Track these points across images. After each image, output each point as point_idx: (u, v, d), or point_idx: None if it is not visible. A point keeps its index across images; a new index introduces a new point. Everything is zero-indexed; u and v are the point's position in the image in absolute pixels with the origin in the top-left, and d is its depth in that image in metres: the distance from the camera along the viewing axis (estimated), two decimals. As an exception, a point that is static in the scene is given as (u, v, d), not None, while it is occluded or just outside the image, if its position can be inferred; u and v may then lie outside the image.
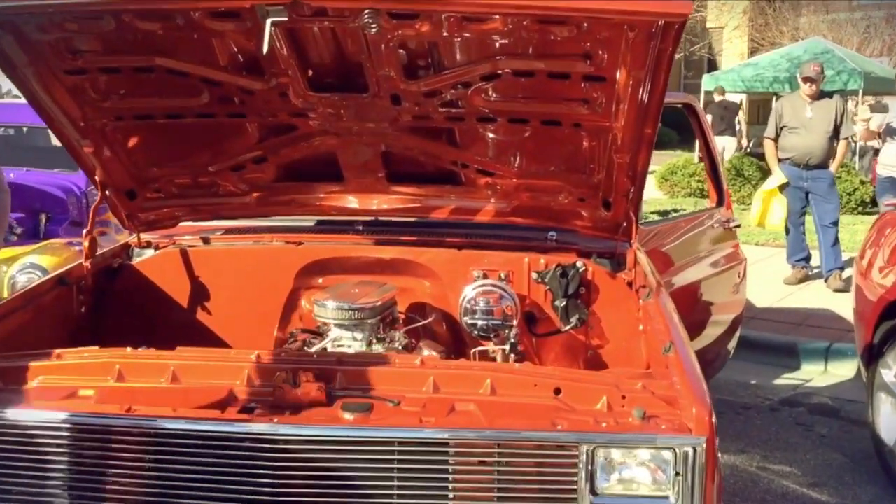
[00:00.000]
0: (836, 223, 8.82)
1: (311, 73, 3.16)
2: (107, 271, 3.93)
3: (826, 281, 8.89)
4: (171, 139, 3.65)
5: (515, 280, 3.86)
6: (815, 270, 9.28)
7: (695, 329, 4.71)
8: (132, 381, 2.70)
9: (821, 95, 8.89)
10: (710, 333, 5.30)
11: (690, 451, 2.42)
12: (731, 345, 5.57)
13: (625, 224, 3.70)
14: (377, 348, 3.52)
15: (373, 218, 4.00)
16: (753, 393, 6.43)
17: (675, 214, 6.03)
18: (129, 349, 2.83)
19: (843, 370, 6.90)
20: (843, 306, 8.23)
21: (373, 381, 2.68)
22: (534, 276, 3.84)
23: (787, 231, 9.02)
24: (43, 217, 7.11)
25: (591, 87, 3.08)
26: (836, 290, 8.72)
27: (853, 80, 16.83)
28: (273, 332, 3.99)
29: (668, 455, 2.45)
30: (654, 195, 15.08)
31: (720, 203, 5.46)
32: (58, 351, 2.85)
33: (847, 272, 9.15)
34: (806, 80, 8.80)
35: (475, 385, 2.65)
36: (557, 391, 2.62)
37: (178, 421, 2.53)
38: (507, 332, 3.55)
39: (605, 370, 3.59)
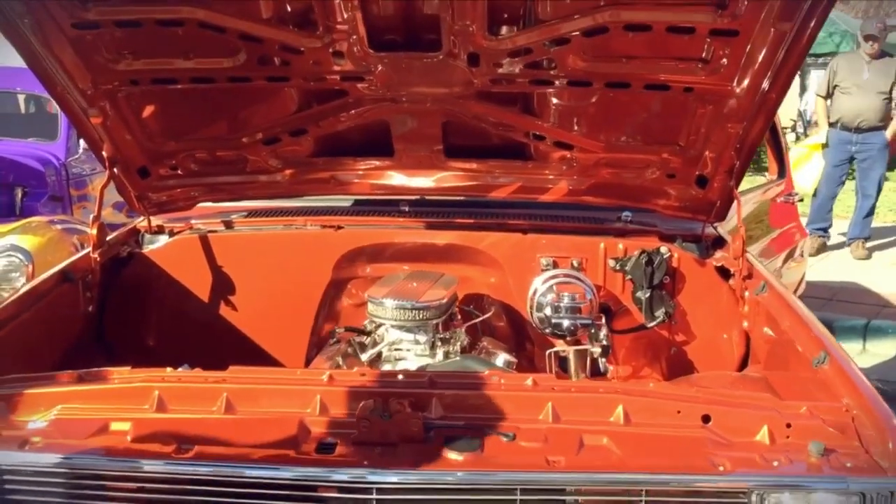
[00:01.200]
0: (878, 192, 8.43)
1: (372, 28, 2.60)
2: (114, 261, 3.37)
3: (849, 247, 8.54)
4: (194, 107, 3.09)
5: (589, 268, 3.37)
6: (831, 241, 8.92)
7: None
8: (176, 410, 2.17)
9: (881, 55, 8.33)
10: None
11: (887, 496, 1.96)
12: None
13: (718, 204, 3.22)
14: (440, 352, 3.02)
15: (423, 198, 3.47)
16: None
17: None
18: (168, 370, 2.30)
19: (884, 349, 6.52)
20: (871, 278, 7.89)
21: (476, 407, 2.18)
22: (611, 263, 3.35)
23: (815, 195, 8.58)
24: (19, 192, 6.47)
25: (717, 44, 2.57)
26: (858, 259, 8.38)
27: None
28: (308, 329, 3.47)
29: (856, 501, 1.98)
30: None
31: (781, 175, 4.99)
32: (78, 372, 2.31)
33: (871, 242, 8.81)
34: (868, 37, 8.21)
35: (604, 411, 2.16)
36: (706, 419, 2.14)
37: (239, 466, 2.01)
38: (594, 331, 3.05)
39: (711, 374, 3.12)
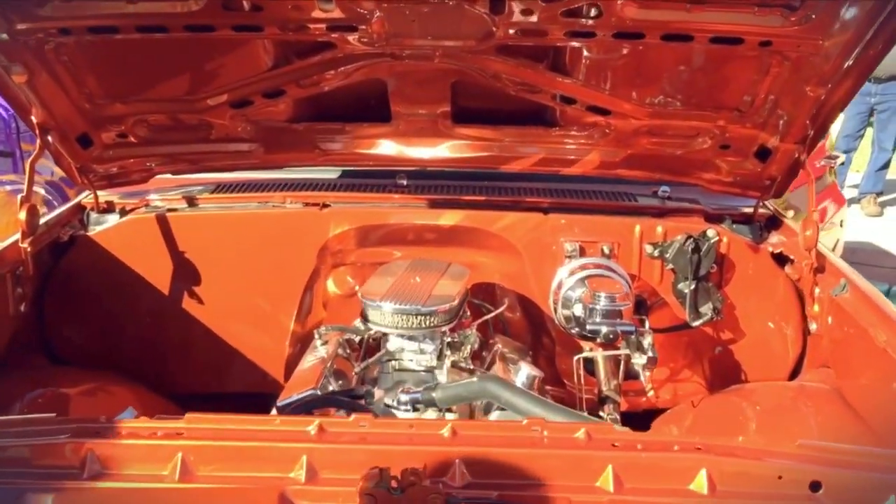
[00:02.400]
0: (894, 148, 7.94)
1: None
2: (53, 247, 2.80)
3: (860, 203, 8.09)
4: (145, 63, 2.48)
5: (622, 254, 2.85)
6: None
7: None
8: (114, 476, 1.63)
9: None
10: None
11: None
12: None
13: (779, 179, 2.69)
14: (448, 361, 2.49)
15: (424, 169, 2.91)
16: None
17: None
18: (103, 418, 1.75)
19: (908, 317, 6.07)
20: (887, 238, 7.45)
21: (512, 471, 1.65)
22: (648, 249, 2.82)
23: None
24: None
25: None
26: (870, 216, 7.94)
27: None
28: (289, 325, 2.93)
29: None
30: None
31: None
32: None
33: (883, 197, 8.37)
34: None
35: (681, 477, 1.64)
36: (815, 486, 1.63)
37: None
38: (635, 337, 2.53)
39: (769, 386, 2.63)
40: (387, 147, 2.79)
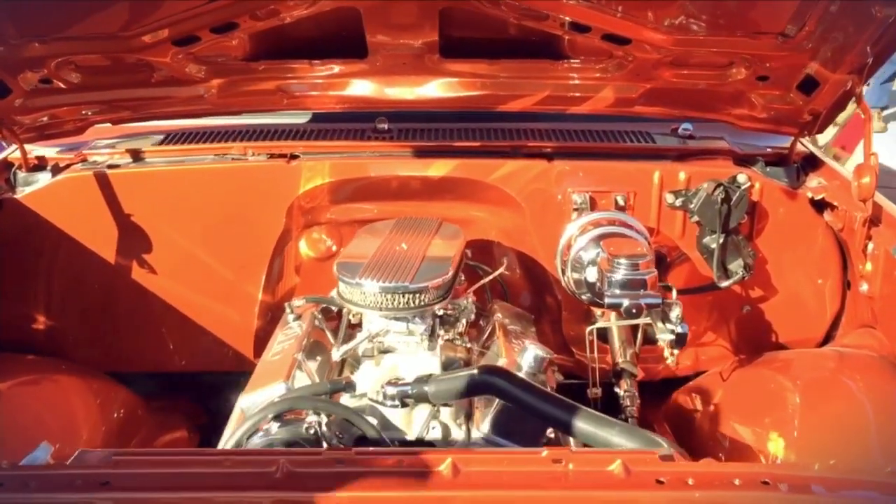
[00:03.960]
0: None
1: None
2: None
3: None
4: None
5: (638, 205, 2.47)
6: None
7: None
8: None
9: None
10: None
11: None
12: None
13: (823, 114, 2.30)
14: (440, 341, 2.12)
15: (408, 110, 2.49)
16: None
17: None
18: (4, 464, 1.37)
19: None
20: (889, 157, 7.07)
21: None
22: (668, 198, 2.45)
23: None
24: None
25: None
26: (875, 132, 7.54)
27: None
28: (256, 294, 2.55)
29: None
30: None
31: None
32: None
33: (889, 111, 7.97)
34: None
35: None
36: None
37: None
38: (662, 310, 2.15)
39: (809, 354, 2.30)
40: (363, 87, 2.37)
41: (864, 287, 2.26)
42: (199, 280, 2.54)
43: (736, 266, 2.42)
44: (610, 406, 2.24)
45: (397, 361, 2.11)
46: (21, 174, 2.49)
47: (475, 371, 1.87)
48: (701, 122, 2.58)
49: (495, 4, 2.02)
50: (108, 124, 2.52)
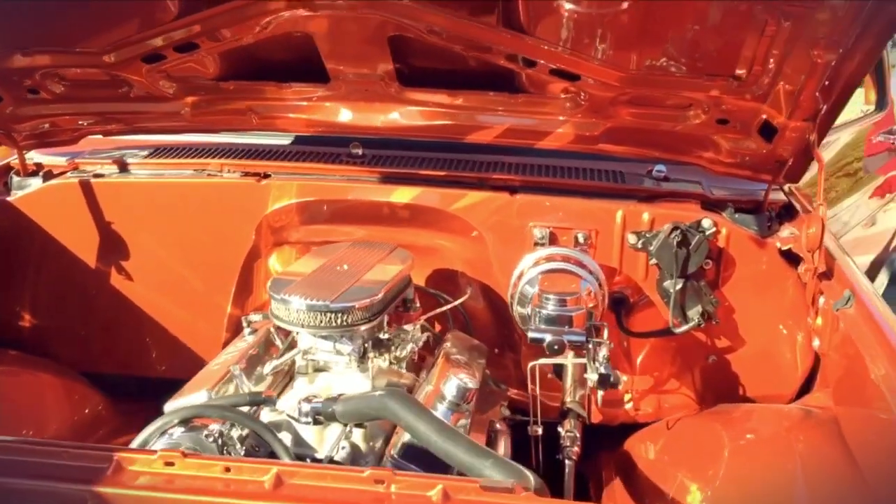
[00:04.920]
0: None
1: None
2: None
3: None
4: (43, 8, 2.17)
5: (601, 244, 2.43)
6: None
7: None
8: None
9: None
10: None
11: None
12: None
13: (791, 161, 2.23)
14: (376, 363, 2.14)
15: (385, 138, 2.53)
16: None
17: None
18: None
19: None
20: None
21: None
22: (630, 239, 2.41)
23: None
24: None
25: None
26: None
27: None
28: (226, 307, 2.63)
29: None
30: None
31: (881, 107, 3.85)
32: None
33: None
34: None
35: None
36: None
37: None
38: (590, 347, 2.12)
39: (766, 410, 2.22)
40: (329, 112, 2.43)
41: (816, 343, 2.17)
42: (173, 289, 2.64)
43: (694, 313, 2.36)
44: (553, 446, 2.21)
45: (330, 381, 2.15)
46: (16, 178, 2.64)
47: (377, 394, 1.88)
48: (676, 165, 2.53)
49: (436, 34, 2.05)
50: (101, 136, 2.66)
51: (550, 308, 2.10)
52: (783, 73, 1.95)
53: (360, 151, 2.60)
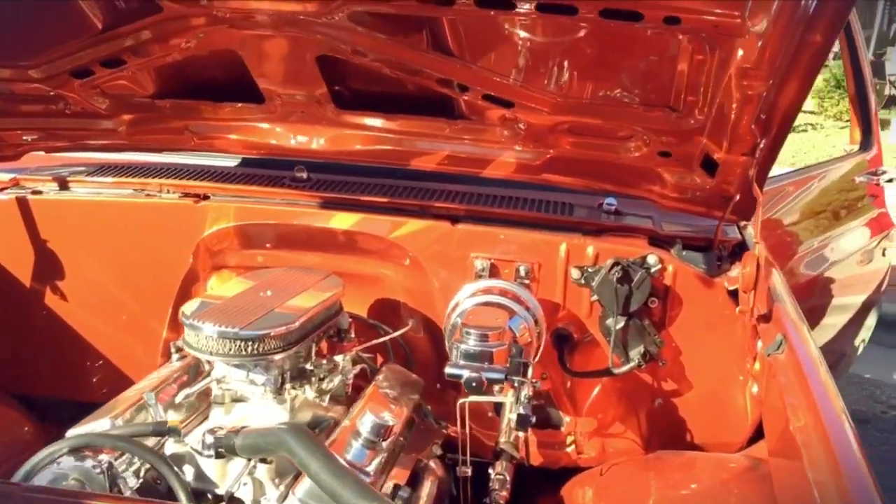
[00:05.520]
0: None
1: None
2: None
3: None
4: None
5: (544, 278, 2.34)
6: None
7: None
8: None
9: None
10: (831, 324, 3.68)
11: None
12: (861, 338, 3.96)
13: (738, 197, 2.13)
14: (296, 393, 2.06)
15: (329, 161, 2.47)
16: (871, 396, 4.82)
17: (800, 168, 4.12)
18: None
19: None
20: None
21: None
22: (573, 273, 2.31)
23: None
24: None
25: None
26: None
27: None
28: (161, 332, 2.55)
29: None
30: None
31: (865, 147, 3.73)
32: None
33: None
34: None
35: None
36: None
37: None
38: (516, 388, 2.02)
39: (705, 459, 2.11)
40: (267, 133, 2.37)
41: (755, 389, 2.06)
42: (109, 311, 2.57)
43: (635, 353, 2.26)
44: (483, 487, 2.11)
45: (247, 412, 2.06)
46: (-46, 194, 2.61)
47: (277, 428, 1.80)
48: (628, 199, 2.44)
49: (362, 55, 1.98)
50: (44, 153, 2.61)
51: (471, 343, 2.00)
52: (717, 105, 1.87)
53: (304, 175, 2.53)
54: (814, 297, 3.47)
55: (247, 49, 2.06)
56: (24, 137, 2.55)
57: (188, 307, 2.02)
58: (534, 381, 2.01)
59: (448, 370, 2.00)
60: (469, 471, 2.17)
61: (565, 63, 1.95)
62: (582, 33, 1.81)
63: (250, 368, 2.00)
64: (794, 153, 11.08)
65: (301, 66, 2.08)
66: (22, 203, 2.52)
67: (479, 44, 1.96)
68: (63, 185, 2.59)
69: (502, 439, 2.22)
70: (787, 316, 1.92)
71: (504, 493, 2.11)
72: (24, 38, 2.11)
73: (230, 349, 1.94)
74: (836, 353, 3.77)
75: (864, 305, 3.88)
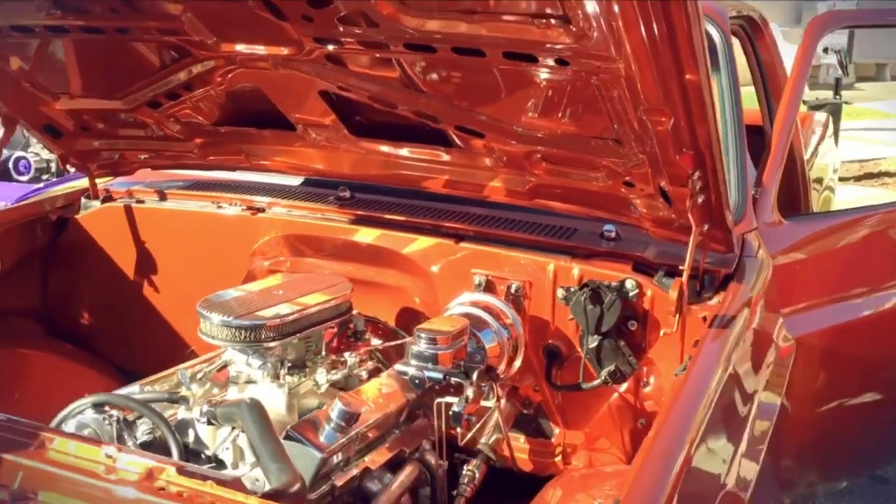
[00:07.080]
0: None
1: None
2: (43, 224, 3.13)
3: None
4: (69, 60, 2.69)
5: (535, 296, 2.52)
6: None
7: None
8: None
9: None
10: None
11: None
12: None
13: (707, 228, 2.21)
14: (291, 379, 2.39)
15: (369, 183, 2.80)
16: None
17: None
18: None
19: None
20: None
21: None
22: (559, 293, 2.47)
23: None
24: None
25: None
26: None
27: None
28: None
29: None
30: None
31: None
32: None
33: None
34: None
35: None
36: None
37: None
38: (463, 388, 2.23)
39: None
40: (304, 156, 2.74)
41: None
42: (187, 303, 3.02)
43: (604, 372, 2.38)
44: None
45: (255, 392, 2.42)
46: (84, 200, 3.19)
47: (238, 401, 2.14)
48: (625, 227, 2.55)
49: (347, 90, 2.29)
50: (151, 169, 3.15)
51: (422, 345, 2.24)
52: (642, 138, 1.99)
53: (347, 194, 2.87)
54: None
55: (266, 85, 2.45)
56: (139, 156, 3.10)
57: (209, 297, 2.42)
58: (474, 385, 2.21)
59: (395, 367, 2.25)
60: (445, 464, 2.40)
61: (516, 96, 2.15)
62: (502, 77, 2.01)
63: (249, 354, 2.36)
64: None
65: (309, 99, 2.42)
66: (128, 210, 3.06)
67: (435, 80, 2.20)
68: (162, 196, 3.11)
69: (482, 440, 2.43)
70: (719, 346, 1.98)
71: (470, 489, 2.32)
72: (106, 75, 2.62)
73: (227, 336, 2.31)
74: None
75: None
